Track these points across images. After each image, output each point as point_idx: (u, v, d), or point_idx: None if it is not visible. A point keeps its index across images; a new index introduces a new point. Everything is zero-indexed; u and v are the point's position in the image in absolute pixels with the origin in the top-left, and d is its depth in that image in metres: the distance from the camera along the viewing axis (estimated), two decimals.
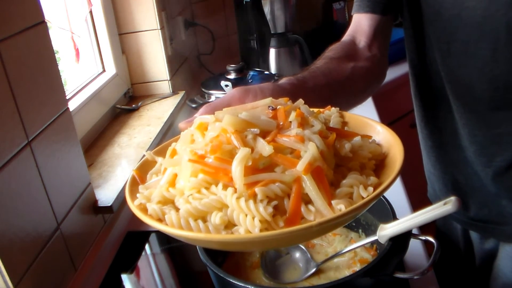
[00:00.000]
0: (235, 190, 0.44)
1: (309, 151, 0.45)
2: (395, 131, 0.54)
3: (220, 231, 0.44)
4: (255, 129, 0.48)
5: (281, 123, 0.50)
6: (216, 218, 0.44)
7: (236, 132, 0.47)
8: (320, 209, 0.43)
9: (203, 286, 0.82)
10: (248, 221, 0.43)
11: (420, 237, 0.67)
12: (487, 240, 0.94)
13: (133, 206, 0.49)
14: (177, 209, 0.47)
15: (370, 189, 0.45)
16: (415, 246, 0.79)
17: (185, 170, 0.48)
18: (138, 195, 0.51)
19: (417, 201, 0.83)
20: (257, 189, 0.43)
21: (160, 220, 0.47)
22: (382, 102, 1.50)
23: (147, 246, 0.93)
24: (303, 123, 0.50)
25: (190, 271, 0.88)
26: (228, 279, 0.59)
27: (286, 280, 0.68)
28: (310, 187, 0.44)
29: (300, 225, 0.42)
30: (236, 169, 0.44)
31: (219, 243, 0.48)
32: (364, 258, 0.69)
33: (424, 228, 0.68)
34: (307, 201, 0.44)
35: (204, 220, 0.45)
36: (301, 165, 0.44)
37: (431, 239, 0.64)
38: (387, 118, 1.71)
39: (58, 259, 0.78)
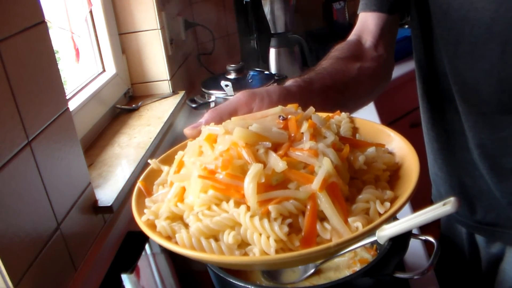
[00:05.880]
0: (248, 208, 0.43)
1: (324, 166, 0.44)
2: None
3: (234, 251, 0.42)
4: (267, 143, 0.46)
5: (292, 135, 0.48)
6: (229, 237, 0.42)
7: (247, 146, 0.46)
8: (337, 228, 0.42)
9: (203, 286, 0.82)
10: (263, 241, 0.41)
11: (420, 237, 0.67)
12: (493, 244, 0.92)
13: (141, 223, 0.48)
14: (186, 225, 0.46)
15: (387, 204, 0.44)
16: (415, 246, 0.79)
17: (194, 185, 0.46)
18: (145, 210, 0.49)
19: (418, 201, 0.83)
20: (270, 207, 0.42)
21: (169, 237, 0.46)
22: (382, 102, 1.50)
23: (147, 246, 0.93)
24: (316, 134, 0.48)
25: (190, 271, 0.88)
26: (228, 279, 0.59)
27: (284, 281, 0.68)
28: (325, 204, 0.42)
29: (317, 246, 0.41)
30: (249, 186, 0.43)
31: (234, 265, 0.47)
32: (364, 258, 0.69)
33: (425, 229, 0.68)
34: (322, 217, 0.43)
35: (216, 239, 0.44)
36: (316, 182, 0.43)
37: (431, 239, 0.64)
38: (387, 118, 1.71)
39: (58, 259, 0.78)
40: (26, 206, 0.70)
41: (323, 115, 0.56)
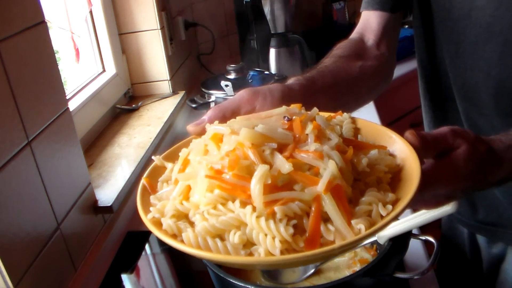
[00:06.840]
0: (254, 208, 0.43)
1: (329, 169, 0.44)
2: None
3: (239, 251, 0.43)
4: (273, 144, 0.47)
5: (297, 136, 0.49)
6: (235, 237, 0.43)
7: (253, 147, 0.46)
8: (340, 229, 0.43)
9: (203, 286, 0.82)
10: (268, 242, 0.42)
11: (420, 237, 0.68)
12: (494, 244, 0.92)
13: (147, 221, 0.48)
14: (192, 224, 0.46)
15: (389, 207, 0.45)
16: (415, 246, 0.79)
17: (201, 184, 0.47)
18: (151, 208, 0.50)
19: None
20: (276, 208, 0.43)
21: (175, 235, 0.46)
22: (382, 102, 1.50)
23: (147, 246, 0.93)
24: (320, 136, 0.49)
25: (190, 271, 0.88)
26: (228, 279, 0.59)
27: (284, 281, 0.68)
28: (330, 206, 0.43)
29: (322, 247, 0.42)
30: (255, 187, 0.43)
31: (240, 264, 0.47)
32: (364, 258, 0.69)
33: (425, 229, 0.68)
34: (326, 218, 0.44)
35: (222, 238, 0.44)
36: (321, 184, 0.43)
37: (431, 239, 0.64)
38: (387, 118, 1.71)
39: (58, 259, 0.78)
40: (26, 206, 0.70)
41: (325, 114, 0.56)
